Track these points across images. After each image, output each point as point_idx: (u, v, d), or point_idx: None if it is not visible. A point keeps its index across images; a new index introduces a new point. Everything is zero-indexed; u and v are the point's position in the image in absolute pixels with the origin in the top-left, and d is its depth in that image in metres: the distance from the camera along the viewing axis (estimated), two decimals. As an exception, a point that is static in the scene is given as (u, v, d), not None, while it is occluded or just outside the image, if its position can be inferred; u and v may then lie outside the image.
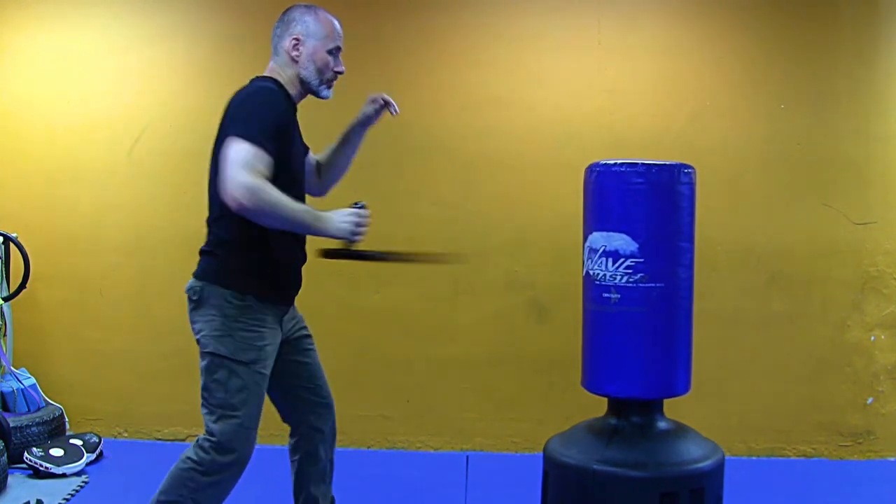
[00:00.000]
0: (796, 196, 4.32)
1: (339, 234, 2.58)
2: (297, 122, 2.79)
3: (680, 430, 2.92)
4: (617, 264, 2.78)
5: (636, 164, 2.80)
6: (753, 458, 4.33)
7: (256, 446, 2.78)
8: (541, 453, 3.02)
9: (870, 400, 4.34)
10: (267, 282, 2.68)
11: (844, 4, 4.28)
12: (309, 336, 2.92)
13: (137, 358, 4.46)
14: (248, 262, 2.66)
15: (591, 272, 2.87)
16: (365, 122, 2.98)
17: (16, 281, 4.25)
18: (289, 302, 2.81)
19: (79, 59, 4.42)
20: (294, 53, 2.73)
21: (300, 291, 2.86)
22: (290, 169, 2.67)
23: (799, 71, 4.30)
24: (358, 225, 2.59)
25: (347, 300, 4.37)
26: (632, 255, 2.77)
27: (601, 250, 2.82)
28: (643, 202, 2.77)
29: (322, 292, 4.38)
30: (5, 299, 4.20)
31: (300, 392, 2.88)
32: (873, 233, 4.30)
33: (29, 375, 4.22)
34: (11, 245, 4.26)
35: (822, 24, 4.28)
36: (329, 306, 4.35)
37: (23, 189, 4.45)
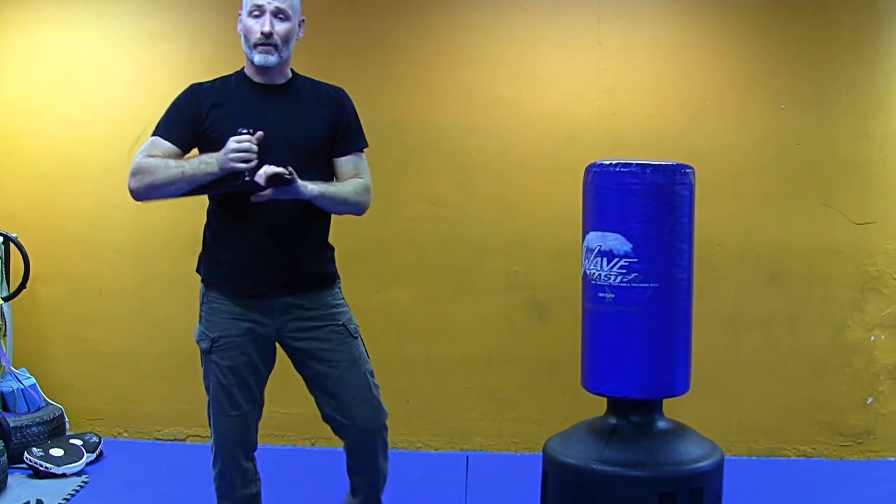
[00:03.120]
0: (796, 196, 4.32)
1: (230, 170, 2.52)
2: (246, 98, 2.69)
3: (679, 430, 2.92)
4: (611, 264, 2.79)
5: (631, 164, 2.80)
6: (753, 458, 4.33)
7: (258, 447, 2.82)
8: (540, 453, 3.02)
9: (870, 400, 4.33)
10: (218, 272, 2.73)
11: (844, 4, 4.27)
12: (326, 349, 2.77)
13: (137, 358, 4.46)
14: (206, 253, 2.78)
15: (587, 272, 2.87)
16: None
17: (16, 281, 4.25)
18: (257, 295, 2.70)
19: (79, 59, 4.43)
20: (238, 28, 2.72)
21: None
22: (222, 146, 2.56)
23: (799, 71, 4.29)
24: (240, 152, 2.49)
25: (347, 300, 4.35)
26: (626, 256, 2.77)
27: (597, 250, 2.82)
28: (638, 203, 2.77)
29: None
30: (5, 299, 4.20)
31: (320, 403, 2.83)
32: (873, 233, 4.30)
33: (29, 375, 4.22)
34: (11, 245, 4.26)
35: (821, 24, 4.28)
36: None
37: (23, 189, 4.45)
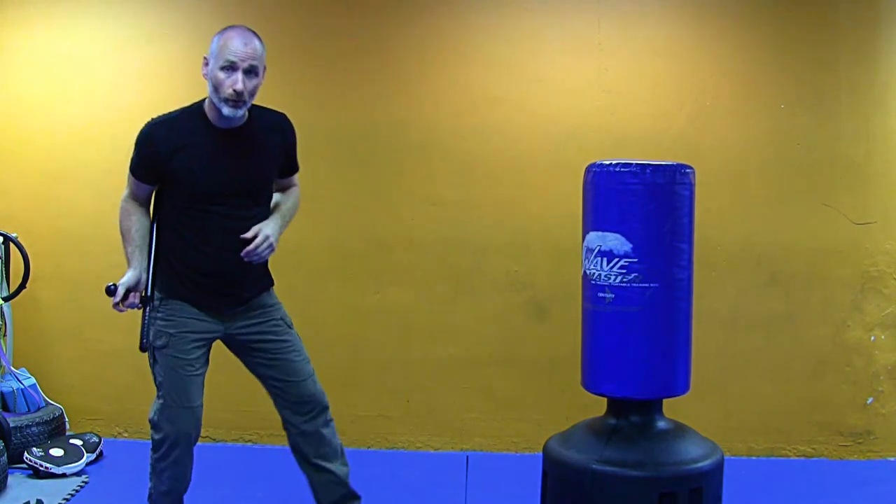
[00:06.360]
0: (796, 196, 4.32)
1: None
2: (204, 142, 2.85)
3: (679, 430, 2.92)
4: (611, 264, 2.79)
5: (631, 164, 2.80)
6: (753, 458, 4.33)
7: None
8: (540, 453, 3.02)
9: (870, 400, 4.33)
10: (177, 286, 2.89)
11: (844, 5, 4.27)
12: (272, 339, 2.99)
13: (137, 358, 4.39)
14: (161, 267, 2.91)
15: (587, 272, 2.87)
16: None
17: (16, 281, 4.25)
18: (213, 305, 2.91)
19: (79, 59, 4.42)
20: (203, 72, 2.84)
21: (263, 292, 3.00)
22: (187, 187, 2.83)
23: (799, 71, 4.29)
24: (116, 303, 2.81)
25: (347, 300, 4.37)
26: (626, 256, 2.77)
27: (596, 250, 2.82)
28: (638, 203, 2.77)
29: (322, 292, 4.38)
30: (5, 299, 4.20)
31: (273, 386, 3.02)
32: (873, 233, 4.30)
33: (29, 375, 4.22)
34: (11, 245, 4.26)
35: (822, 25, 4.28)
36: (329, 306, 4.35)
37: (23, 189, 4.45)
